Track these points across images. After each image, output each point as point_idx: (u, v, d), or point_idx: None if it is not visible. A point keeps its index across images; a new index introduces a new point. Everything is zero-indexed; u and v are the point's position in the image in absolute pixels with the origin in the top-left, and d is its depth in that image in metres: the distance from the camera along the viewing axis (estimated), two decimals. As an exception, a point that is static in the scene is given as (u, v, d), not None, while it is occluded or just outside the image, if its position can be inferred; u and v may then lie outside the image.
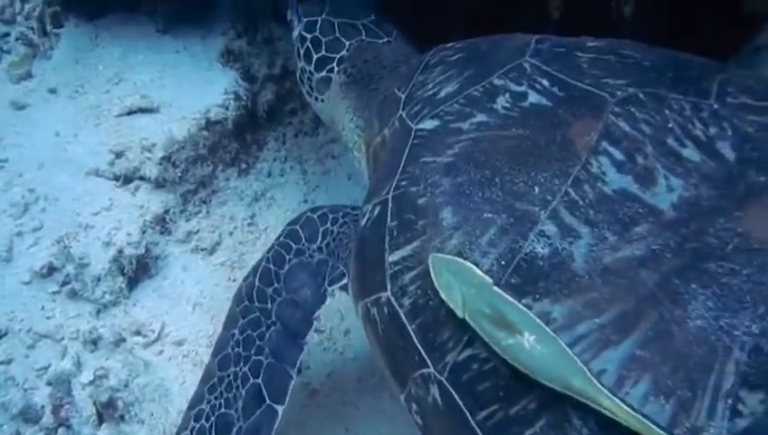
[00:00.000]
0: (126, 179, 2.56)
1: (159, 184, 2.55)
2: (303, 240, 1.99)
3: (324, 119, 2.43)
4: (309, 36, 2.27)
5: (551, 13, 2.38)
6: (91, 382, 2.22)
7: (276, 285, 1.97)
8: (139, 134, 2.59)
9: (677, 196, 1.37)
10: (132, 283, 2.49)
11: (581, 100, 1.54)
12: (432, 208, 1.53)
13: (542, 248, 1.38)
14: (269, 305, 1.96)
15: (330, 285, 1.95)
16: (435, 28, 2.36)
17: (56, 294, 2.40)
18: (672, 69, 1.57)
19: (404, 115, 1.81)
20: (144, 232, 2.49)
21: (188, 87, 2.71)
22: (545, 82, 1.60)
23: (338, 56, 2.23)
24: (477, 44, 1.90)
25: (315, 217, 2.02)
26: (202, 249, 2.57)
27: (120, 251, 2.44)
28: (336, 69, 2.23)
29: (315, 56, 2.25)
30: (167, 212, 2.56)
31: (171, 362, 2.34)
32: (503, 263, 1.40)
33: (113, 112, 2.65)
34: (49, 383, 2.24)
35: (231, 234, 2.64)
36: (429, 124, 1.69)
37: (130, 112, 2.65)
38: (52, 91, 2.78)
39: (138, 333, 2.39)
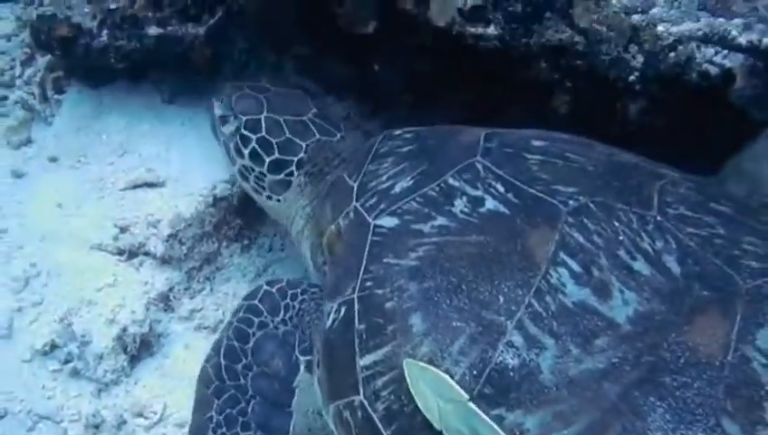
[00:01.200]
0: (130, 255, 2.54)
1: (165, 261, 2.53)
2: (265, 313, 1.98)
3: (271, 213, 2.46)
4: (253, 137, 2.25)
5: (557, 108, 2.43)
6: (93, 468, 2.17)
7: (245, 360, 1.94)
8: (145, 209, 2.57)
9: (632, 309, 1.47)
10: (134, 360, 2.45)
11: (536, 208, 1.65)
12: (401, 314, 1.61)
13: (512, 359, 1.47)
14: (242, 381, 1.93)
15: (301, 355, 1.93)
16: (436, 116, 2.42)
17: (57, 373, 2.36)
18: (615, 176, 1.70)
19: (359, 207, 1.88)
20: (148, 309, 2.46)
21: (194, 161, 2.71)
22: (500, 188, 1.71)
23: (296, 159, 2.24)
24: (426, 137, 2.00)
25: (274, 290, 2.01)
26: (205, 327, 2.55)
27: (124, 329, 2.41)
28: (296, 172, 2.25)
29: (268, 159, 2.24)
30: (171, 289, 2.54)
31: (173, 445, 2.31)
32: (474, 373, 1.49)
33: (118, 186, 2.63)
34: (50, 469, 2.18)
35: (234, 311, 2.61)
36: (388, 222, 1.78)
37: (135, 186, 2.62)
38: (53, 159, 2.75)
39: (140, 414, 2.36)
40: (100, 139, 2.75)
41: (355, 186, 1.97)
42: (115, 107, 2.83)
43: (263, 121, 2.26)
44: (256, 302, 2.00)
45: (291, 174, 2.24)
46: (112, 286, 2.48)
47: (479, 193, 1.74)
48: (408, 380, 1.52)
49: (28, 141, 2.83)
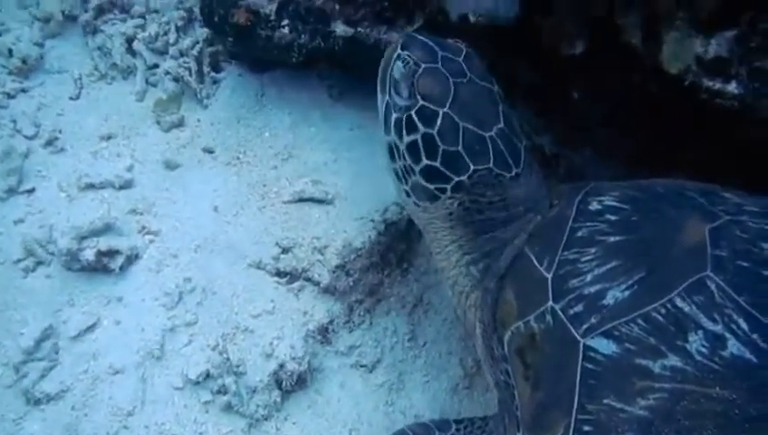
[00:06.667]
0: (291, 278, 2.33)
1: (327, 290, 2.31)
2: None
3: (417, 222, 2.06)
4: (422, 129, 1.82)
5: None
6: None
7: None
8: (311, 230, 2.34)
9: None
10: (286, 394, 2.28)
11: None
12: None
13: None
14: None
15: None
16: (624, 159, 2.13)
17: (209, 404, 2.20)
18: None
19: (559, 313, 1.61)
20: (306, 342, 2.27)
21: (364, 174, 2.46)
22: (743, 325, 1.46)
23: (456, 180, 1.82)
24: (638, 223, 1.69)
25: None
26: (362, 365, 2.36)
27: (282, 365, 2.24)
28: (449, 193, 1.85)
29: (425, 161, 1.83)
30: (331, 322, 2.34)
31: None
32: None
33: (282, 197, 2.39)
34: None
35: (392, 349, 2.42)
36: (604, 346, 1.52)
37: (301, 199, 2.38)
38: (209, 151, 2.50)
39: (288, 454, 2.20)
40: (263, 136, 2.50)
41: (549, 277, 1.68)
42: (278, 100, 2.56)
43: (440, 118, 1.81)
44: None
45: (443, 191, 1.85)
46: (270, 314, 2.29)
47: (719, 329, 1.47)
48: None
49: (180, 123, 2.56)
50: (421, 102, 1.81)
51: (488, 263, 1.91)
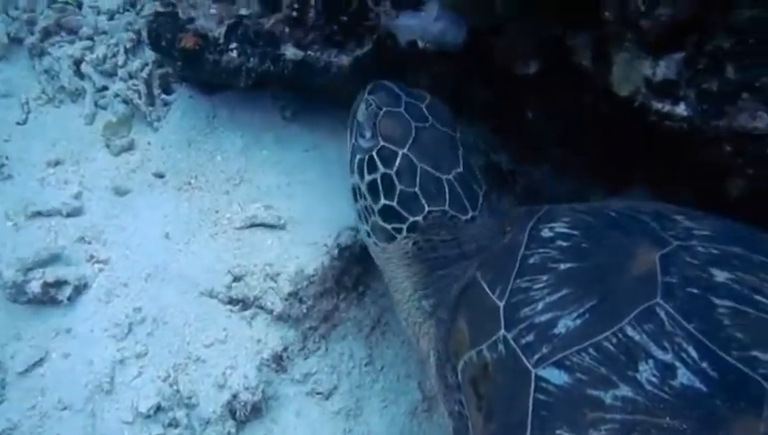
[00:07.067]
0: (243, 306, 2.29)
1: (281, 318, 2.28)
2: None
3: (377, 262, 2.10)
4: (381, 169, 1.89)
5: (729, 190, 2.12)
6: None
7: None
8: (263, 257, 2.31)
9: None
10: (240, 425, 2.24)
11: (737, 387, 1.40)
12: None
13: None
14: None
15: None
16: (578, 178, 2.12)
17: (160, 439, 2.15)
18: None
19: (511, 342, 1.60)
20: (260, 371, 2.24)
21: (317, 198, 2.42)
22: (693, 353, 1.45)
23: (411, 220, 1.88)
24: (589, 250, 1.69)
25: None
26: (318, 393, 2.33)
27: (235, 395, 2.20)
28: (405, 233, 1.91)
29: (383, 200, 1.89)
30: (285, 349, 2.30)
31: None
32: None
33: (234, 223, 2.35)
34: None
35: (349, 374, 2.39)
36: (556, 376, 1.51)
37: (253, 225, 2.34)
38: (160, 175, 2.46)
39: (243, 486, 2.17)
40: (214, 160, 2.45)
41: (501, 306, 1.67)
42: (230, 122, 2.51)
43: (399, 158, 1.88)
44: None
45: (399, 231, 1.92)
46: (223, 343, 2.25)
47: (669, 358, 1.46)
48: None
49: (131, 147, 2.51)
50: (382, 143, 1.88)
51: (441, 297, 1.91)
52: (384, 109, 1.92)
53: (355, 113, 2.02)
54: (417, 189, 1.86)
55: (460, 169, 1.90)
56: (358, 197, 1.98)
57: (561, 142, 2.48)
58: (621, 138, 2.29)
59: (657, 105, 1.90)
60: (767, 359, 1.41)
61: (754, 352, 1.43)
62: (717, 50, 1.74)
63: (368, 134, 1.93)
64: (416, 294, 1.98)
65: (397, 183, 1.87)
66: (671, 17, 1.73)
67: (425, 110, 1.94)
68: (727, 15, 1.67)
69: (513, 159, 2.73)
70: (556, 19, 2.02)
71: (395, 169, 1.87)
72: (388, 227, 1.91)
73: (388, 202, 1.88)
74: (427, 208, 1.86)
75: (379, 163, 1.89)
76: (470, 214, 1.89)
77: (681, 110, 1.87)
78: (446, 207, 1.87)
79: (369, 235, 1.99)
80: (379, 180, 1.89)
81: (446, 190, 1.87)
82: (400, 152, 1.87)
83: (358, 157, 1.96)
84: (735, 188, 2.09)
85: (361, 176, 1.94)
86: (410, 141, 1.88)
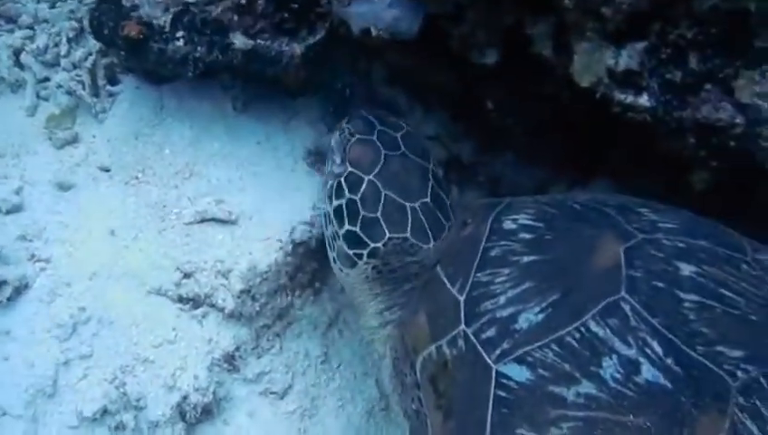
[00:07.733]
0: (194, 305, 2.21)
1: (233, 316, 2.20)
2: None
3: (344, 286, 2.14)
4: (347, 194, 1.92)
5: (693, 183, 2.10)
6: None
7: None
8: (214, 253, 2.23)
9: None
10: (191, 427, 2.17)
11: (701, 382, 1.40)
12: None
13: None
14: None
15: None
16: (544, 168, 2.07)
17: (106, 443, 2.06)
18: None
19: (471, 337, 1.58)
20: (211, 371, 2.17)
21: (270, 192, 2.35)
22: (657, 348, 1.44)
23: (372, 246, 1.89)
24: (552, 242, 1.68)
25: None
26: (272, 392, 2.27)
27: (185, 397, 2.13)
28: (365, 259, 1.91)
29: (347, 225, 1.91)
30: (237, 348, 2.23)
31: None
32: None
33: (183, 218, 2.27)
34: None
35: (304, 373, 2.33)
36: (517, 373, 1.49)
37: (203, 220, 2.26)
38: (105, 169, 2.36)
39: (194, 490, 2.10)
40: (162, 153, 2.36)
41: (462, 300, 1.64)
42: (179, 113, 2.42)
43: (364, 184, 1.90)
44: None
45: (360, 257, 1.91)
46: (172, 343, 2.18)
47: (633, 354, 1.44)
48: None
49: (74, 140, 2.41)
50: (350, 169, 1.91)
51: (402, 307, 1.92)
52: (356, 136, 1.94)
53: (330, 143, 2.06)
54: (379, 215, 1.87)
55: (427, 199, 1.90)
56: (327, 223, 1.99)
57: (522, 133, 2.43)
58: (584, 129, 2.25)
59: (620, 96, 1.87)
60: (732, 354, 1.41)
61: (719, 348, 1.42)
62: (680, 39, 1.70)
63: (338, 160, 1.97)
64: (378, 308, 1.97)
65: (360, 209, 1.88)
66: (633, 4, 1.69)
67: (399, 139, 1.96)
68: (690, 3, 1.63)
69: (474, 149, 2.68)
70: (515, 7, 1.97)
71: (359, 194, 1.88)
72: (351, 252, 1.91)
73: (351, 227, 1.89)
74: (387, 235, 1.87)
75: (345, 189, 1.91)
76: (432, 243, 1.88)
77: (644, 100, 1.84)
78: (408, 235, 1.87)
79: (335, 261, 1.99)
80: (344, 206, 1.91)
81: (410, 218, 1.88)
82: (366, 178, 1.89)
83: (329, 183, 1.98)
84: (700, 180, 2.07)
85: (330, 201, 1.95)
86: (378, 168, 1.90)
